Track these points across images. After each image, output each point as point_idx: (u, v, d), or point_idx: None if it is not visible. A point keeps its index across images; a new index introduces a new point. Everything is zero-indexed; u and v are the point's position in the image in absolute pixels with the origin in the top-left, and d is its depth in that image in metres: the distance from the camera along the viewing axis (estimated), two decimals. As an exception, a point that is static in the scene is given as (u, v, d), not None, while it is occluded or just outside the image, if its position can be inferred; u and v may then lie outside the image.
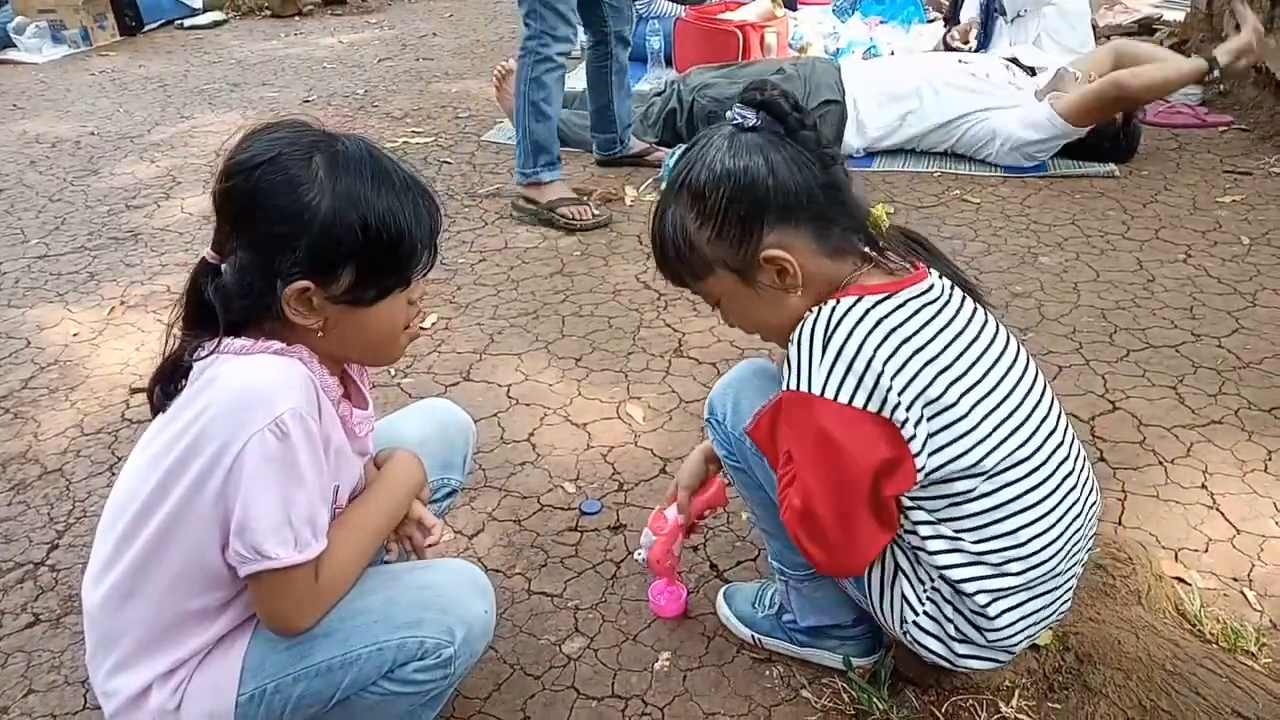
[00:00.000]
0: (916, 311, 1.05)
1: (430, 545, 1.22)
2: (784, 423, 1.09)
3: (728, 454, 1.30)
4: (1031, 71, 3.49)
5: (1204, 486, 1.69)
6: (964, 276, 1.16)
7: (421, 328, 2.35)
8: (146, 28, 6.03)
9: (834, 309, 1.04)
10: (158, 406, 1.04)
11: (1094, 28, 4.01)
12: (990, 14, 3.86)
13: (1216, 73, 2.87)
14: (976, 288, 1.17)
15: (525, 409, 2.05)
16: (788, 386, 1.06)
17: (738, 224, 1.06)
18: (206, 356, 1.01)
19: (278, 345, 1.02)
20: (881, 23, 4.45)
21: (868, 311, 1.03)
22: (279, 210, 0.98)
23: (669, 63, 4.33)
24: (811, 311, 1.06)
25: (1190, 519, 1.61)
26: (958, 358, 1.06)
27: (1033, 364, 1.14)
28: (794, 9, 4.68)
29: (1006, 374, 1.09)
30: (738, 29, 3.97)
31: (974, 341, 1.08)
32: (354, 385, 1.17)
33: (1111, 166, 3.12)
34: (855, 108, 3.22)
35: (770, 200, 1.05)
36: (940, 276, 1.11)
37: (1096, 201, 2.87)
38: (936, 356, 1.04)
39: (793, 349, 1.06)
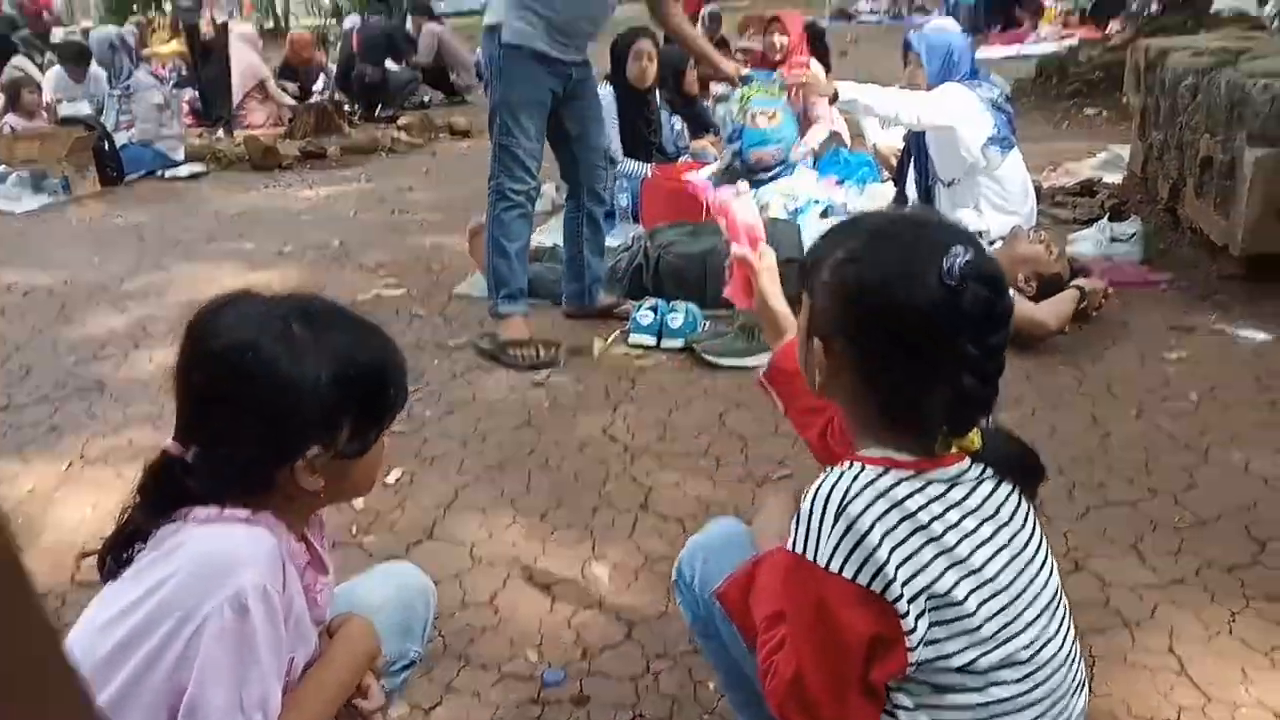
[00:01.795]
0: (939, 496, 1.01)
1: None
2: (785, 582, 1.06)
3: (694, 618, 1.28)
4: (976, 235, 3.66)
5: (1171, 650, 1.69)
6: (1026, 460, 1.10)
7: (385, 483, 2.34)
8: (128, 178, 6.18)
9: (855, 478, 1.00)
10: (108, 574, 1.03)
11: (1038, 190, 4.23)
12: (929, 181, 4.06)
13: (1084, 302, 3.06)
14: (1033, 472, 1.10)
15: (489, 569, 2.02)
16: (793, 547, 1.02)
17: (856, 312, 1.03)
18: (170, 524, 1.00)
19: (244, 514, 1.01)
20: (838, 183, 4.67)
21: (889, 489, 0.99)
22: (277, 387, 0.99)
23: (636, 219, 4.49)
24: (831, 472, 1.03)
25: (1159, 685, 1.60)
26: (974, 551, 1.01)
27: (1050, 559, 1.10)
28: (753, 170, 4.90)
29: (1022, 572, 1.04)
30: (700, 190, 4.15)
31: (996, 533, 1.03)
32: (315, 550, 1.16)
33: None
34: (815, 264, 3.34)
35: (898, 325, 1.00)
36: (977, 463, 1.06)
37: (1049, 357, 2.96)
38: (952, 548, 1.00)
39: (805, 504, 1.02)
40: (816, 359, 1.07)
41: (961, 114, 3.56)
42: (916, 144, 4.01)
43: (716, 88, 5.61)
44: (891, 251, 1.03)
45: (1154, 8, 7.76)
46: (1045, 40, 10.82)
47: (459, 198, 5.54)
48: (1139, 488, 2.24)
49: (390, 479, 2.37)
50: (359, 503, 2.18)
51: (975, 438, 1.04)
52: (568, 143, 3.16)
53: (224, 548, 0.98)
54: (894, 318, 1.00)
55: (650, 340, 3.17)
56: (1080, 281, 3.12)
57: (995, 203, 3.76)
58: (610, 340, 3.22)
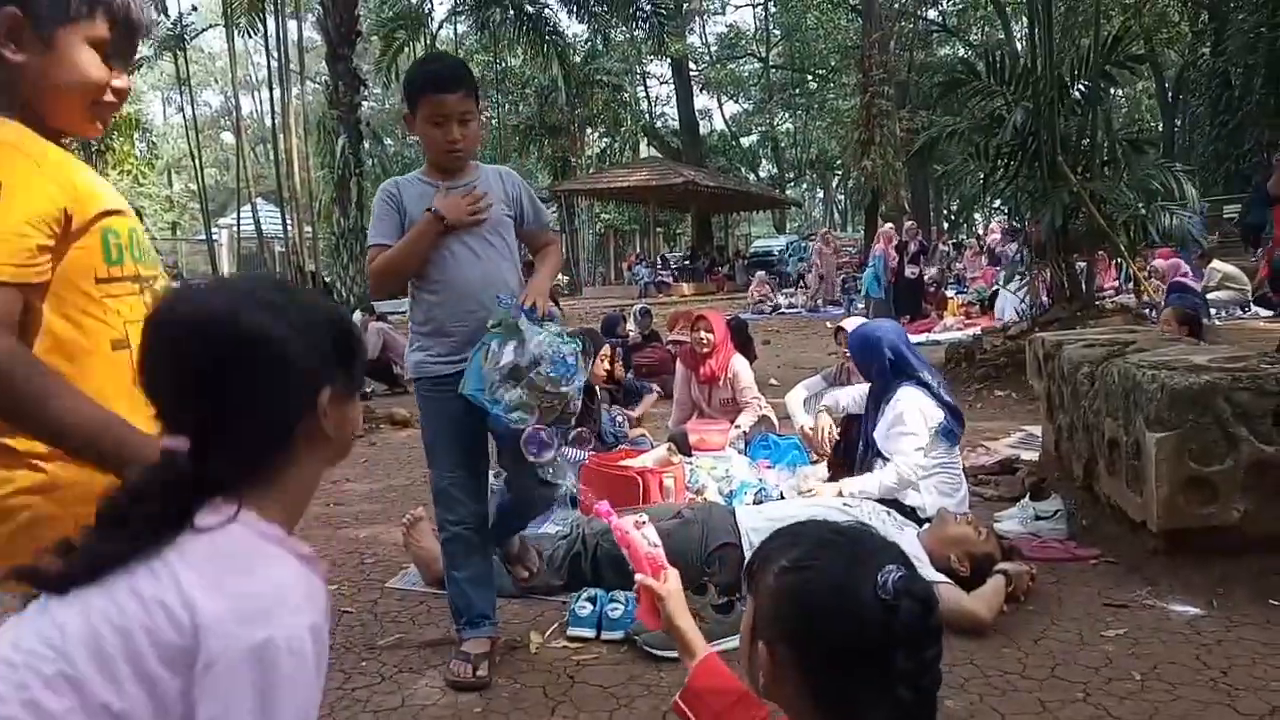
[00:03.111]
0: None
1: None
2: None
3: None
4: (911, 511, 3.76)
5: None
6: None
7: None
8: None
9: None
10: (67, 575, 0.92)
11: (964, 470, 4.40)
12: (869, 455, 4.22)
13: (1012, 586, 3.15)
14: None
15: None
16: None
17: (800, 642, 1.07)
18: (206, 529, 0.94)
19: (276, 532, 0.98)
20: (769, 467, 4.81)
21: None
22: (278, 338, 1.00)
23: (574, 504, 4.51)
24: None
25: None
26: None
27: None
28: (689, 454, 5.03)
29: None
30: (638, 475, 4.24)
31: None
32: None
33: (999, 601, 3.25)
34: (751, 549, 3.36)
35: (836, 636, 1.04)
36: None
37: (991, 639, 2.94)
38: None
39: None
40: (760, 662, 1.09)
41: (921, 426, 3.87)
42: (862, 424, 4.21)
43: None
44: (832, 563, 1.09)
45: (1045, 300, 8.52)
46: (950, 329, 11.74)
47: (396, 487, 5.53)
48: (1098, 779, 2.16)
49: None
50: None
51: None
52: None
53: (279, 577, 0.94)
54: (832, 628, 1.05)
55: (589, 632, 3.08)
56: (1004, 566, 3.19)
57: (940, 488, 3.91)
58: (548, 634, 3.12)
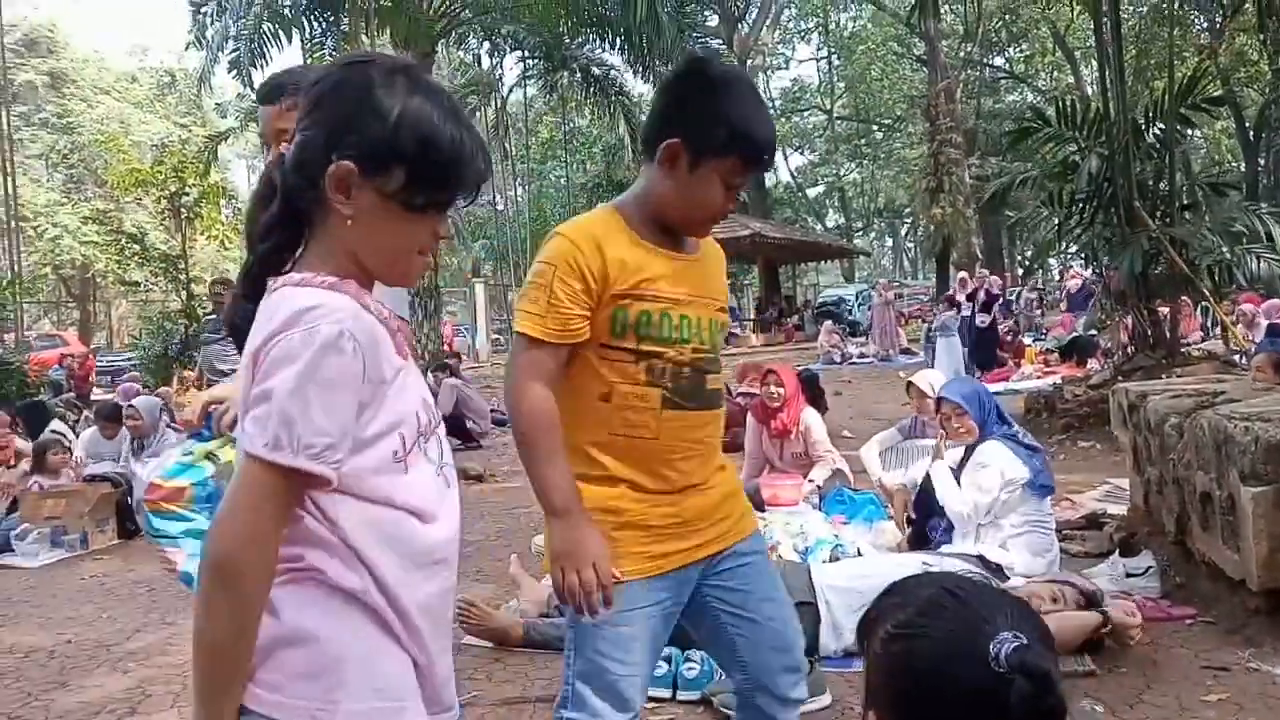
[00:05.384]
0: None
1: None
2: None
3: None
4: (998, 568, 3.66)
5: None
6: None
7: None
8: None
9: None
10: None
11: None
12: (941, 528, 4.14)
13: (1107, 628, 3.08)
14: None
15: None
16: None
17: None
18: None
19: (329, 279, 1.13)
20: (845, 522, 4.74)
21: None
22: (354, 100, 1.13)
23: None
24: None
25: None
26: None
27: None
28: (762, 510, 4.99)
29: None
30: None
31: None
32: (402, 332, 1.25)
33: (1089, 662, 3.13)
34: (829, 609, 3.31)
35: (943, 709, 0.97)
36: None
37: (1080, 702, 2.83)
38: None
39: None
40: None
41: (997, 483, 3.82)
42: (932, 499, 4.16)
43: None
44: (941, 629, 1.00)
45: (1129, 349, 8.29)
46: (1029, 378, 11.43)
47: (470, 542, 5.59)
48: None
49: None
50: None
51: None
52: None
53: (312, 298, 1.11)
54: (940, 702, 0.97)
55: (665, 693, 3.06)
56: (1110, 608, 3.06)
57: (1031, 546, 3.82)
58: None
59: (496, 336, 25.95)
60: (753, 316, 26.28)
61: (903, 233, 46.47)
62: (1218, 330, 10.71)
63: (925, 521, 4.31)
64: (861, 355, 17.55)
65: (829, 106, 39.18)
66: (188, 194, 16.26)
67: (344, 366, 1.08)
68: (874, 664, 1.05)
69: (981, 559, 3.68)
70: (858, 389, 12.71)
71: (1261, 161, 25.67)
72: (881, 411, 9.63)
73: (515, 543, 5.07)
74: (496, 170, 30.82)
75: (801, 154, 44.14)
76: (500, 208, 32.44)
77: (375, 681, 1.14)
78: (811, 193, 44.28)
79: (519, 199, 33.46)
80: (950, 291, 14.62)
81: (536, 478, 1.67)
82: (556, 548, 1.65)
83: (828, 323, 20.05)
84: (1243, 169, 25.70)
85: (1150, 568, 3.81)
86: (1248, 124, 25.83)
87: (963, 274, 15.17)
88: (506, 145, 28.97)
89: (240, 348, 1.23)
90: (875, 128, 37.95)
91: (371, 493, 1.14)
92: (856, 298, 27.33)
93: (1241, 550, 3.26)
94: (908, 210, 35.02)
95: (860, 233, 45.84)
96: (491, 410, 9.85)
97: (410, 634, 1.17)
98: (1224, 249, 7.81)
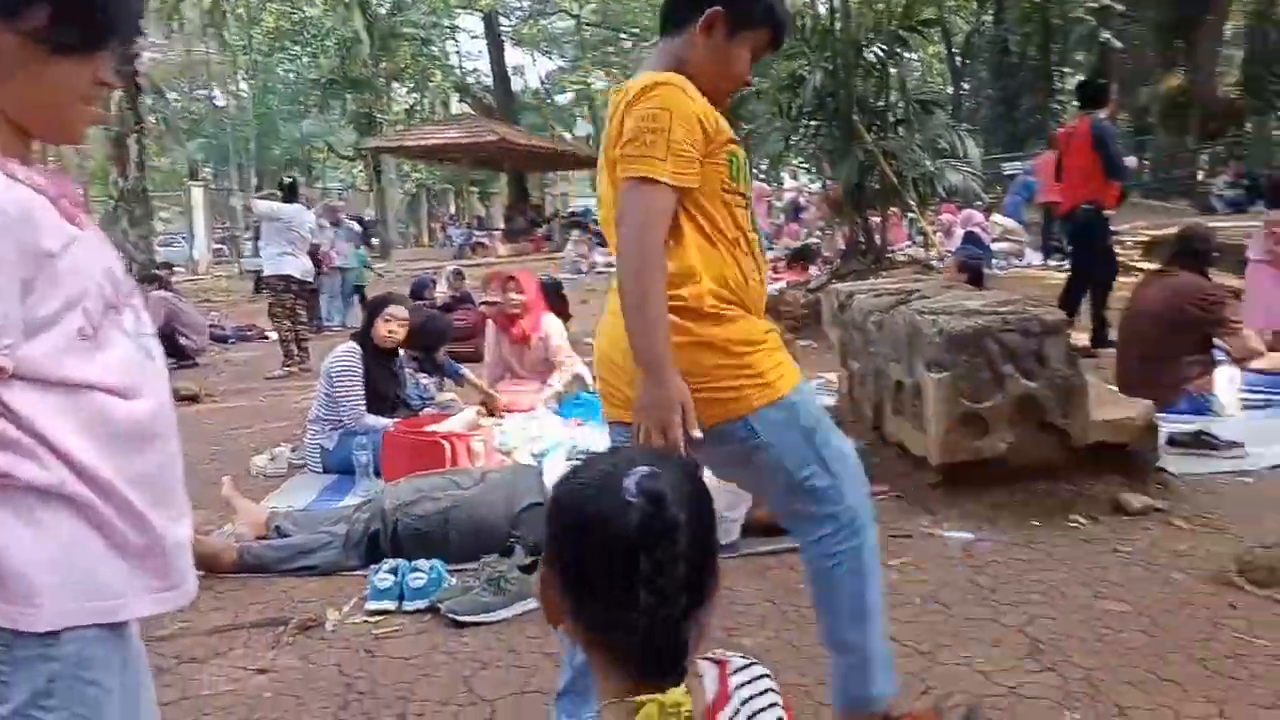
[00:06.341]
0: None
1: None
2: None
3: None
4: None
5: None
6: None
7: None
8: None
9: None
10: None
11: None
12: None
13: None
14: None
15: None
16: None
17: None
18: None
19: None
20: (581, 424, 4.80)
21: None
22: None
23: (378, 473, 4.35)
24: None
25: None
26: None
27: None
28: (500, 416, 4.95)
29: None
30: (444, 439, 4.11)
31: None
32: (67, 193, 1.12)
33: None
34: (558, 507, 3.34)
35: (585, 539, 1.01)
36: None
37: (786, 576, 3.06)
38: None
39: None
40: (542, 589, 1.07)
41: None
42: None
43: None
44: (590, 475, 1.07)
45: (844, 255, 8.94)
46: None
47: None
48: (879, 701, 2.27)
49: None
50: None
51: (680, 697, 0.99)
52: None
53: None
54: (581, 532, 1.02)
55: (391, 605, 2.97)
56: None
57: None
58: (346, 610, 2.99)
59: (219, 246, 23.89)
60: (501, 226, 25.89)
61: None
62: (920, 238, 11.80)
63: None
64: (609, 265, 17.78)
65: (577, 11, 38.67)
66: None
67: None
68: (546, 522, 1.09)
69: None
70: (604, 298, 12.90)
71: (966, 86, 28.29)
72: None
73: (229, 465, 4.73)
74: (215, 62, 27.90)
75: (550, 59, 43.44)
76: (220, 103, 29.51)
77: (79, 577, 1.09)
78: (560, 100, 43.84)
79: (241, 94, 30.61)
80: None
81: (647, 321, 1.69)
82: (654, 396, 1.69)
83: (575, 232, 20.10)
84: (950, 91, 28.23)
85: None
86: (955, 50, 28.26)
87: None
88: (225, 34, 26.18)
89: None
90: (624, 36, 37.94)
91: (61, 376, 1.05)
92: (604, 207, 27.58)
93: (927, 432, 3.62)
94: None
95: (609, 143, 46.04)
96: (211, 326, 9.08)
97: (124, 514, 1.11)
98: (928, 162, 8.55)
